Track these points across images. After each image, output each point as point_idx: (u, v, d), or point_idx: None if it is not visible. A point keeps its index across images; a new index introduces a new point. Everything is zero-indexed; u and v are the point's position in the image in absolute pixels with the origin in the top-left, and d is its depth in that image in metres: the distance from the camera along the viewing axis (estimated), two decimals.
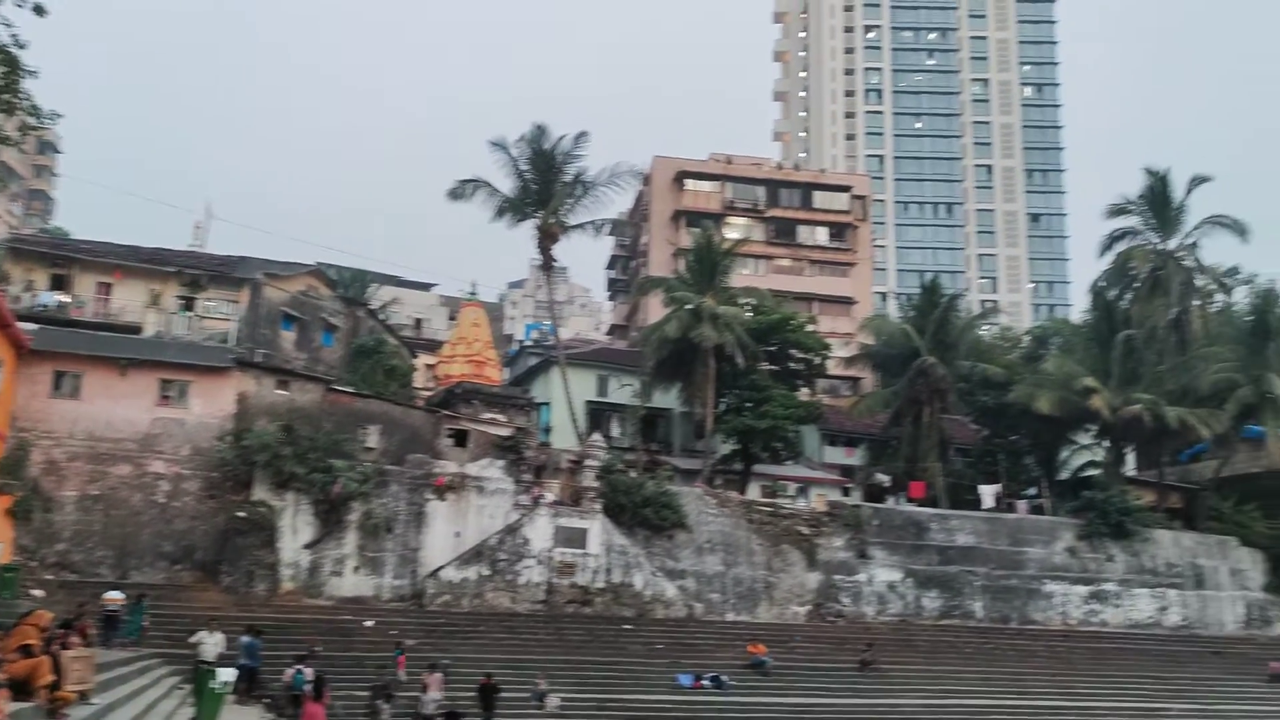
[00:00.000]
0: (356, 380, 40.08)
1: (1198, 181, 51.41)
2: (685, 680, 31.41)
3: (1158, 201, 52.23)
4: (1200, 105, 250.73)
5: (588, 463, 37.63)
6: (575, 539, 35.91)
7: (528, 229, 45.98)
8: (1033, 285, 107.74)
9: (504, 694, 25.97)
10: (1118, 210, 53.24)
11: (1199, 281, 53.20)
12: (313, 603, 32.59)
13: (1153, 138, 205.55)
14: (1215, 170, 51.39)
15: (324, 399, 36.40)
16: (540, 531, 35.49)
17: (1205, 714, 34.18)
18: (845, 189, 70.80)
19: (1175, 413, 43.73)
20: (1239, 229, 50.71)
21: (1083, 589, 42.03)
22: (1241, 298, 56.74)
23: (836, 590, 39.41)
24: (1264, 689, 37.49)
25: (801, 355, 50.48)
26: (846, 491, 47.08)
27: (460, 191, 44.90)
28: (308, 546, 33.38)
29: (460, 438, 38.03)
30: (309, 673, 23.23)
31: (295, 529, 33.37)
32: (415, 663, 27.11)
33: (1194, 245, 52.16)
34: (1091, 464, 50.74)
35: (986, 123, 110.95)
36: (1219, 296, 55.80)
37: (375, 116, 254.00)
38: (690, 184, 68.66)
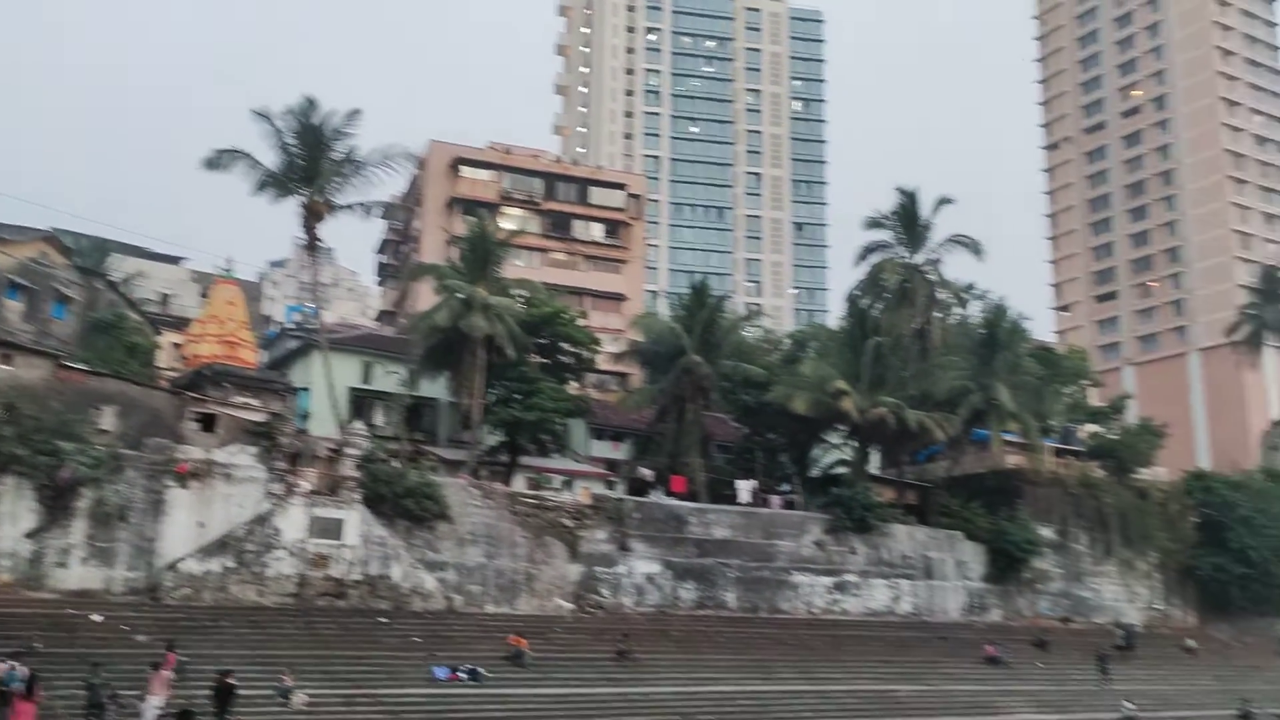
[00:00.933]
0: (92, 357, 37.08)
1: (942, 202, 55.26)
2: (441, 673, 30.89)
3: (908, 218, 55.78)
4: (950, 124, 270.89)
5: (348, 451, 36.32)
6: (331, 530, 34.61)
7: (292, 206, 43.91)
8: (795, 291, 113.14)
9: (247, 692, 24.62)
10: (873, 224, 56.46)
11: (940, 295, 57.19)
12: (33, 595, 29.92)
13: (909, 157, 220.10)
14: (959, 188, 55.58)
15: (53, 375, 33.40)
16: (293, 522, 33.97)
17: (929, 693, 36.86)
18: (621, 187, 71.83)
19: (915, 416, 46.82)
20: (975, 248, 54.92)
21: (827, 580, 44.40)
22: (976, 312, 61.71)
23: (597, 582, 39.86)
24: (980, 670, 40.89)
25: (572, 349, 50.81)
26: (611, 485, 47.73)
27: (217, 161, 42.07)
28: (29, 535, 30.55)
29: (208, 422, 35.76)
30: (22, 670, 21.25)
31: (15, 516, 30.46)
32: (145, 661, 25.27)
33: (937, 261, 56.07)
34: (841, 462, 53.65)
35: (758, 132, 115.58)
36: (957, 310, 60.29)
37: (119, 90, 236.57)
38: (467, 171, 67.73)
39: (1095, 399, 69.72)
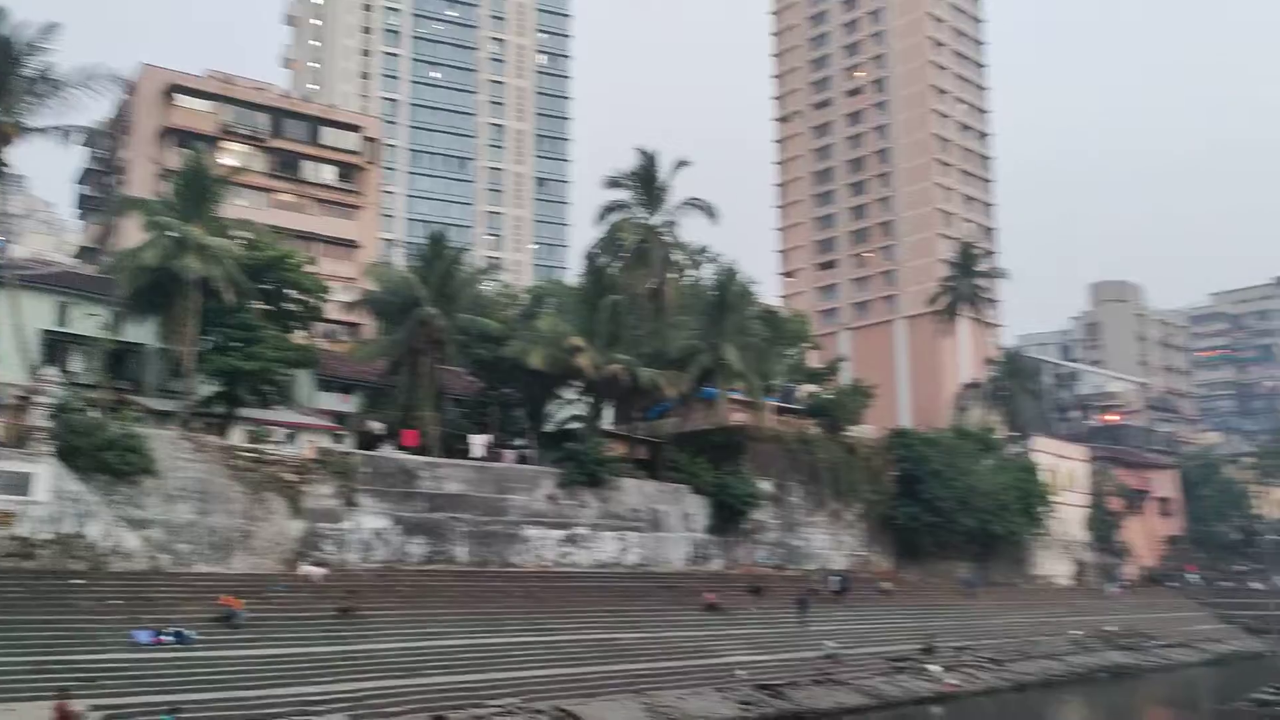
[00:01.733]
0: None
1: (680, 165, 56.53)
2: (143, 637, 28.71)
3: (646, 180, 56.66)
4: (698, 90, 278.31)
5: (38, 400, 32.90)
6: (17, 485, 31.29)
7: None
8: (535, 246, 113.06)
9: None
10: (612, 183, 56.95)
11: (676, 256, 58.68)
12: None
13: (657, 118, 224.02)
14: (703, 155, 57.08)
15: None
16: None
17: (651, 640, 38.12)
18: (356, 128, 68.86)
19: (648, 373, 47.95)
20: (710, 211, 56.60)
21: (558, 533, 44.87)
22: (708, 274, 63.93)
23: (321, 539, 38.32)
24: (700, 616, 42.75)
25: (299, 296, 48.32)
26: (339, 438, 45.93)
27: None
28: None
29: None
30: None
31: None
32: None
33: (674, 223, 57.40)
34: (575, 418, 54.25)
35: (502, 83, 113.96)
36: (690, 271, 62.19)
37: None
38: (183, 100, 62.73)
39: (814, 361, 74.26)
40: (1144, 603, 71.76)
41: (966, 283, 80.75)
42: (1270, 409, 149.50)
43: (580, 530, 45.61)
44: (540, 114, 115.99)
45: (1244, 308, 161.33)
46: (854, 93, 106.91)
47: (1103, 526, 79.94)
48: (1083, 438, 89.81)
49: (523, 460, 47.65)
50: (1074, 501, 77.33)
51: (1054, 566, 73.62)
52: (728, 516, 51.20)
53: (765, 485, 53.56)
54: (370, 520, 39.69)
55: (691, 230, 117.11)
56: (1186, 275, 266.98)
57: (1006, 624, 54.68)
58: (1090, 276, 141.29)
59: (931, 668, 42.65)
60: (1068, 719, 42.29)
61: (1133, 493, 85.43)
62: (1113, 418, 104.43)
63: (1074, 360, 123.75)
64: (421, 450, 44.64)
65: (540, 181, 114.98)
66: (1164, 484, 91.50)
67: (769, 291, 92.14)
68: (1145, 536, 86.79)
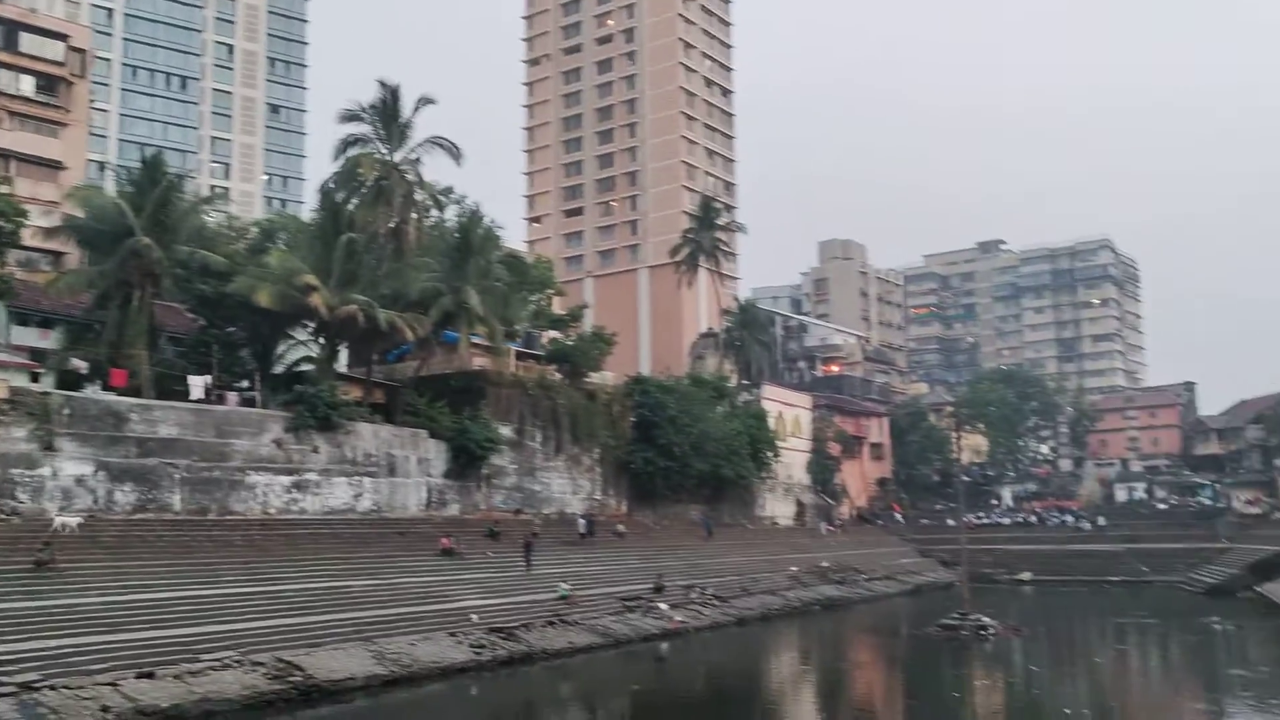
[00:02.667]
0: None
1: (423, 102, 54.68)
2: None
3: (388, 114, 54.46)
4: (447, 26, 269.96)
5: None
6: None
7: None
8: (266, 177, 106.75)
9: None
10: (350, 116, 54.32)
11: (418, 196, 56.94)
12: None
13: (405, 53, 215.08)
14: (451, 93, 55.35)
15: None
16: None
17: (382, 586, 37.29)
18: (63, 37, 61.96)
19: (386, 315, 46.40)
20: (455, 152, 55.24)
21: (286, 479, 42.87)
22: (452, 215, 62.56)
23: (13, 485, 34.77)
24: (435, 561, 42.27)
25: None
26: (36, 377, 41.67)
27: None
28: None
29: None
30: None
31: None
32: None
33: (417, 161, 55.54)
34: (307, 359, 51.86)
35: None
36: (434, 212, 60.62)
37: None
38: None
39: (557, 307, 74.57)
40: (855, 540, 77.65)
41: (707, 235, 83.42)
42: (970, 363, 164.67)
43: (310, 476, 43.79)
44: (273, 35, 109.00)
45: (951, 269, 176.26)
46: (604, 40, 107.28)
47: (822, 470, 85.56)
48: (807, 387, 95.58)
49: (248, 403, 45.08)
50: (798, 447, 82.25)
51: (778, 508, 78.19)
52: (466, 461, 50.73)
53: (505, 430, 53.46)
54: (71, 466, 36.34)
55: (436, 170, 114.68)
56: (910, 237, 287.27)
57: (732, 563, 57.57)
58: (824, 234, 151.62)
59: (661, 606, 44.24)
60: (777, 647, 45.09)
61: (850, 439, 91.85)
62: (835, 368, 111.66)
63: (803, 313, 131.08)
64: (132, 391, 41.25)
65: (273, 109, 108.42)
66: (877, 431, 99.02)
67: (514, 236, 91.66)
68: (859, 479, 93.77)
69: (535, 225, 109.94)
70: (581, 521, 53.05)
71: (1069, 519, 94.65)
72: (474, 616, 36.66)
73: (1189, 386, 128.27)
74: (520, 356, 59.99)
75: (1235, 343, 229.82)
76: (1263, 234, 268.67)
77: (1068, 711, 28.49)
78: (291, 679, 27.54)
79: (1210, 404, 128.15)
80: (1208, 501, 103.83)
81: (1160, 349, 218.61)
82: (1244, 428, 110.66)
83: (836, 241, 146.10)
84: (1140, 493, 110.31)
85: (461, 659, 32.66)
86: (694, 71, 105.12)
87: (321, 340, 49.68)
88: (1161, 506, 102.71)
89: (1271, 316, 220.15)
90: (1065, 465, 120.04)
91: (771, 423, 76.11)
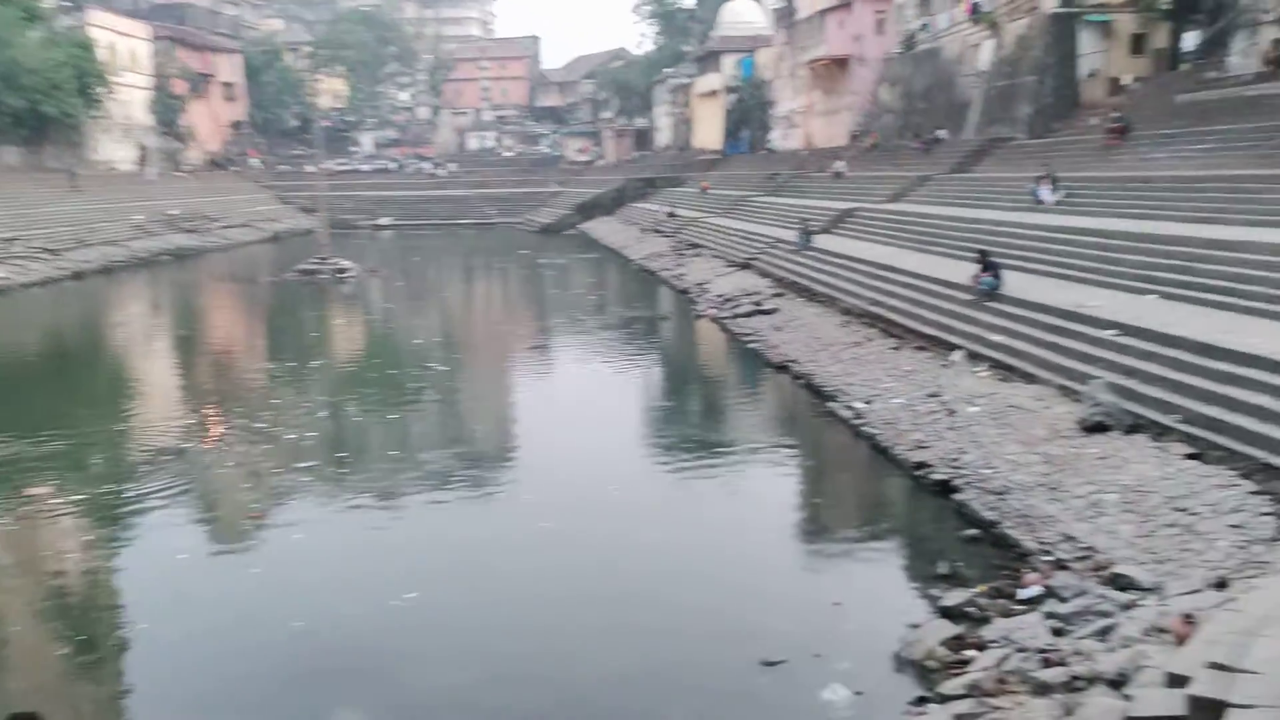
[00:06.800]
0: None
1: None
2: None
3: None
4: None
5: None
6: None
7: None
8: None
9: None
10: None
11: None
12: None
13: None
14: None
15: None
16: None
17: None
18: None
19: None
20: None
21: None
22: None
23: None
24: None
25: None
26: None
27: None
28: None
29: None
30: None
31: None
32: None
33: None
34: None
35: None
36: None
37: None
38: None
39: None
40: (208, 187, 73.06)
41: None
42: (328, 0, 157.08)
43: None
44: None
45: None
46: None
47: (166, 110, 77.79)
48: (144, 15, 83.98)
49: None
50: (135, 83, 73.29)
51: (116, 151, 70.16)
52: None
53: None
54: None
55: None
56: None
57: (63, 211, 50.96)
58: None
59: None
60: (121, 299, 41.80)
61: (196, 76, 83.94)
62: None
63: None
64: None
65: None
66: (228, 69, 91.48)
67: None
68: (210, 121, 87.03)
69: None
70: None
71: (426, 165, 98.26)
72: None
73: (535, 40, 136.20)
74: None
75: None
76: None
77: (419, 341, 30.26)
78: None
79: (552, 58, 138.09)
80: (546, 150, 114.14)
81: (510, 1, 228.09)
82: (579, 82, 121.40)
83: None
84: (490, 141, 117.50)
85: None
86: None
87: None
88: (508, 154, 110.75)
89: None
90: (423, 113, 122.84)
91: (102, 54, 66.27)
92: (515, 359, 28.58)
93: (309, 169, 79.34)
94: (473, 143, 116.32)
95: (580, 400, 21.99)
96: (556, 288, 44.81)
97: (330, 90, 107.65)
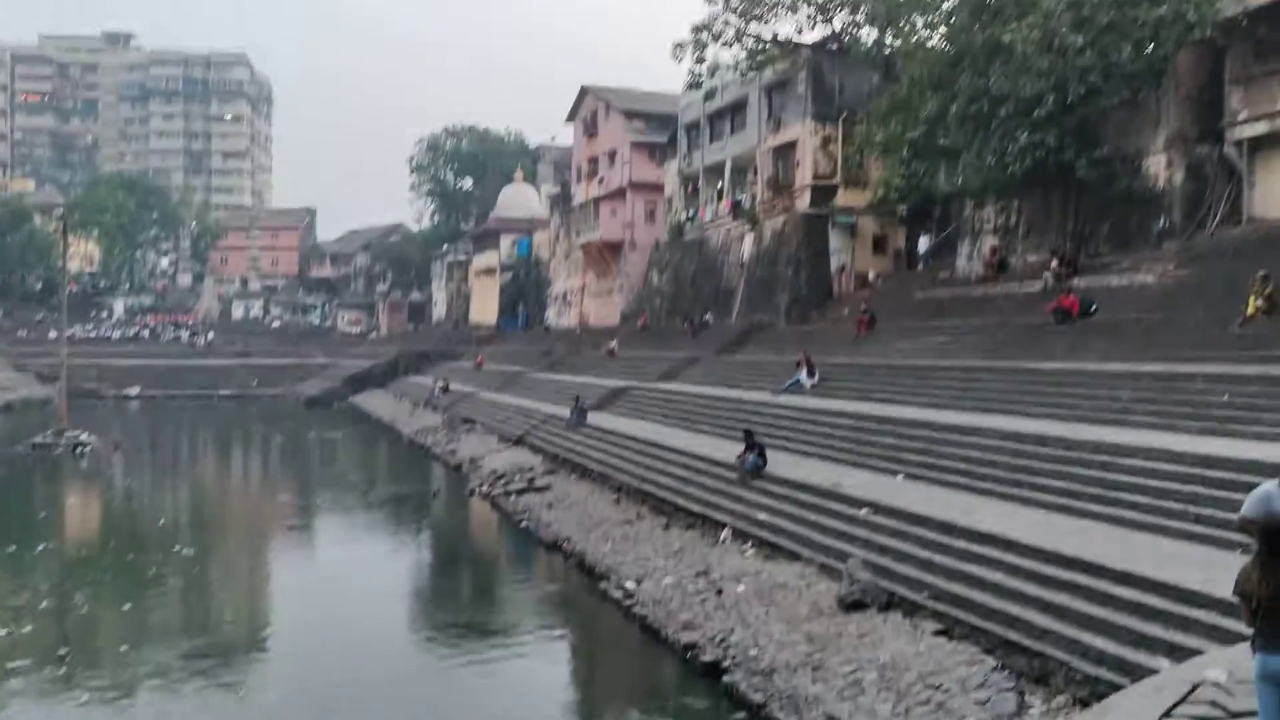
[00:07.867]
0: None
1: None
2: None
3: None
4: None
5: None
6: None
7: None
8: None
9: None
10: None
11: None
12: None
13: None
14: None
15: None
16: None
17: None
18: None
19: None
20: None
21: None
22: None
23: None
24: None
25: None
26: None
27: None
28: None
29: None
30: None
31: None
32: None
33: None
34: None
35: None
36: None
37: None
38: None
39: None
40: None
41: None
42: (88, 163, 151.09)
43: None
44: None
45: (73, 57, 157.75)
46: None
47: None
48: None
49: None
50: None
51: None
52: None
53: None
54: None
55: None
56: (26, 11, 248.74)
57: None
58: None
59: None
60: None
61: None
62: None
63: None
64: None
65: None
66: None
67: None
68: None
69: None
70: None
71: (184, 334, 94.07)
72: None
73: (310, 212, 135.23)
74: None
75: (354, 174, 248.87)
76: (386, 75, 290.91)
77: (163, 522, 28.06)
78: None
79: (327, 230, 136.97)
80: (317, 321, 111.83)
81: (286, 173, 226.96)
82: (354, 254, 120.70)
83: None
84: (257, 310, 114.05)
85: None
86: None
87: None
88: (275, 324, 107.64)
89: (387, 151, 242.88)
90: (185, 280, 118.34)
91: None
92: (271, 540, 26.85)
93: (52, 335, 74.08)
94: (237, 311, 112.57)
95: (341, 584, 20.78)
96: (321, 463, 43.03)
97: (81, 254, 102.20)
